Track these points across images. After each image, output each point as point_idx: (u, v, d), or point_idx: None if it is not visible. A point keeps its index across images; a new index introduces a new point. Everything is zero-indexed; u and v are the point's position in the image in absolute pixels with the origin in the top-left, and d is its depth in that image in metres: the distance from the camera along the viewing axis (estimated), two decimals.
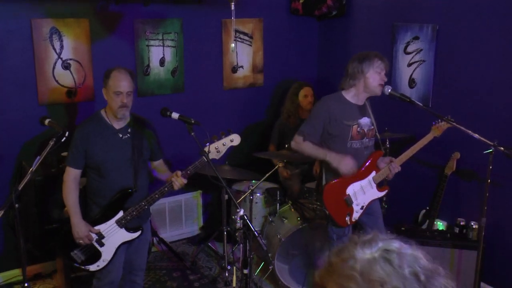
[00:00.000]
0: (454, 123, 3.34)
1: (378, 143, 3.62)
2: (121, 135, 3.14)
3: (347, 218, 3.47)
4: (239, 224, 2.62)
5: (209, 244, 4.79)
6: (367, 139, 3.49)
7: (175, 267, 4.54)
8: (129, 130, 3.16)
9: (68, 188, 3.12)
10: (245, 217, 2.61)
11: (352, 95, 3.43)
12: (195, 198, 5.11)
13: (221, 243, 4.62)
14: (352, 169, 3.38)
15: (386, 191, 3.64)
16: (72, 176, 3.13)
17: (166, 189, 3.08)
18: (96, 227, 3.13)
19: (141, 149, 3.17)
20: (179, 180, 3.06)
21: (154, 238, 4.66)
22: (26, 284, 2.88)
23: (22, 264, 2.83)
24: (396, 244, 1.08)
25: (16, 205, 2.69)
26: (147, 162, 3.29)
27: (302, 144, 3.47)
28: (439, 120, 3.48)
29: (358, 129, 3.43)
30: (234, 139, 3.11)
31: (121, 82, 3.04)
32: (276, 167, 4.30)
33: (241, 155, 5.20)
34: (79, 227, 3.08)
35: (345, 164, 3.35)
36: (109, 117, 3.14)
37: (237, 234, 4.18)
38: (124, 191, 3.12)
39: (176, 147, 4.49)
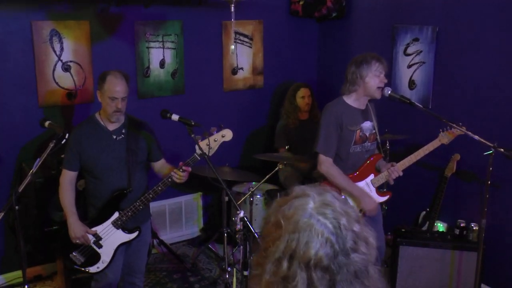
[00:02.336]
0: (453, 125, 3.34)
1: (378, 146, 3.61)
2: (115, 137, 3.14)
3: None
4: (239, 225, 2.61)
5: (209, 246, 4.79)
6: (368, 143, 3.48)
7: (175, 269, 4.54)
8: (123, 131, 3.17)
9: (64, 190, 3.14)
10: (245, 218, 2.60)
11: (353, 100, 3.41)
12: (195, 199, 5.11)
13: (221, 245, 4.61)
14: (374, 211, 3.42)
15: (388, 196, 3.60)
16: (67, 178, 3.15)
17: (159, 188, 3.07)
18: (93, 229, 3.14)
19: (136, 150, 3.17)
20: (178, 173, 3.04)
21: (154, 240, 4.66)
22: (26, 286, 2.88)
23: (23, 266, 2.83)
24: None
25: (17, 207, 2.69)
26: (144, 164, 3.29)
27: (332, 169, 3.33)
28: (446, 128, 3.45)
29: (361, 133, 3.42)
30: (226, 134, 3.09)
31: (117, 88, 3.03)
32: (276, 168, 4.30)
33: (241, 156, 5.20)
34: (75, 227, 3.08)
35: (375, 207, 3.41)
36: (103, 119, 3.15)
37: (237, 235, 4.18)
38: (119, 192, 3.12)
39: (173, 148, 4.48)
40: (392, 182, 3.50)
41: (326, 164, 3.34)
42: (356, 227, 1.16)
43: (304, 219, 1.12)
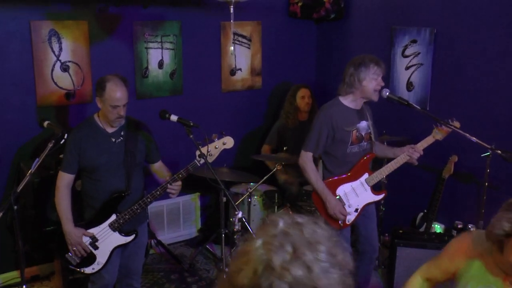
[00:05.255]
0: (452, 127, 3.35)
1: (371, 145, 3.62)
2: (114, 139, 3.12)
3: (340, 221, 3.46)
4: (237, 226, 2.62)
5: (207, 246, 4.79)
6: (364, 143, 3.50)
7: (173, 269, 4.54)
8: (122, 134, 3.14)
9: (61, 194, 3.09)
10: (243, 219, 2.61)
11: (350, 101, 3.43)
12: (193, 200, 5.11)
13: (219, 246, 4.61)
14: (339, 217, 3.41)
15: (383, 195, 3.63)
16: (65, 182, 3.10)
17: (158, 192, 3.06)
18: (90, 230, 3.12)
19: (134, 152, 3.14)
20: (174, 187, 3.05)
21: (152, 240, 4.66)
22: (24, 286, 2.88)
23: (21, 265, 2.83)
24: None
25: (15, 207, 2.69)
26: (141, 166, 3.27)
27: (308, 165, 3.42)
28: (438, 124, 3.47)
29: (357, 133, 3.44)
30: (227, 142, 3.07)
31: (118, 95, 2.99)
32: (274, 169, 4.31)
33: (239, 157, 5.21)
34: (71, 235, 3.06)
35: (336, 212, 3.39)
36: (102, 122, 3.11)
37: (235, 236, 4.18)
38: (117, 194, 3.10)
39: (171, 150, 4.49)
40: (416, 163, 3.51)
41: (304, 159, 3.44)
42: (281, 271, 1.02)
43: (250, 246, 1.07)
